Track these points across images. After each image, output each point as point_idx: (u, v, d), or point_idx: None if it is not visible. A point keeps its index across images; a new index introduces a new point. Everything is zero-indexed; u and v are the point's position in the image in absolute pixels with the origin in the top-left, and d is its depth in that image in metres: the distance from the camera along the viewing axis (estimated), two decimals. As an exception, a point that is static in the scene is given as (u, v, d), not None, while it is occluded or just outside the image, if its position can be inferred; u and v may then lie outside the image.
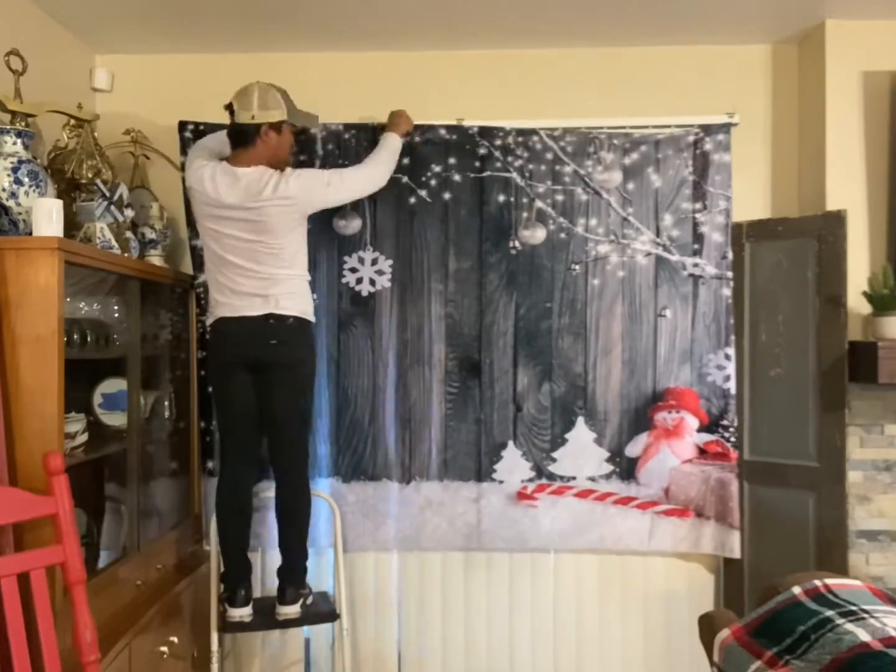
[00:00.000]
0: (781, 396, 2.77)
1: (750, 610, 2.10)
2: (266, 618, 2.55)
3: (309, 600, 2.61)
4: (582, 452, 2.87)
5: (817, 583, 1.93)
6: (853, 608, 1.77)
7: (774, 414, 2.79)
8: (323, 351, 2.85)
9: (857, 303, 2.70)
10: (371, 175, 2.60)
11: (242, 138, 2.41)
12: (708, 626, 2.07)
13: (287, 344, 2.44)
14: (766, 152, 2.97)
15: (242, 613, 2.50)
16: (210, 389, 2.74)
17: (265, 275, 2.41)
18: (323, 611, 2.68)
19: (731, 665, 1.87)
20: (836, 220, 2.65)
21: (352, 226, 2.86)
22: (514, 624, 2.96)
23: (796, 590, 1.92)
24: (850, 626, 1.69)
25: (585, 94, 2.94)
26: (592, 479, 2.88)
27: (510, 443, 2.88)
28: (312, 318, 2.54)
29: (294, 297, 2.46)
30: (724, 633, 1.95)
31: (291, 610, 2.52)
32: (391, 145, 2.66)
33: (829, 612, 1.77)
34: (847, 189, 2.76)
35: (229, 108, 2.40)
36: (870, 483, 2.73)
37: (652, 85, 2.95)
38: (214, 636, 2.58)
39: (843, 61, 2.76)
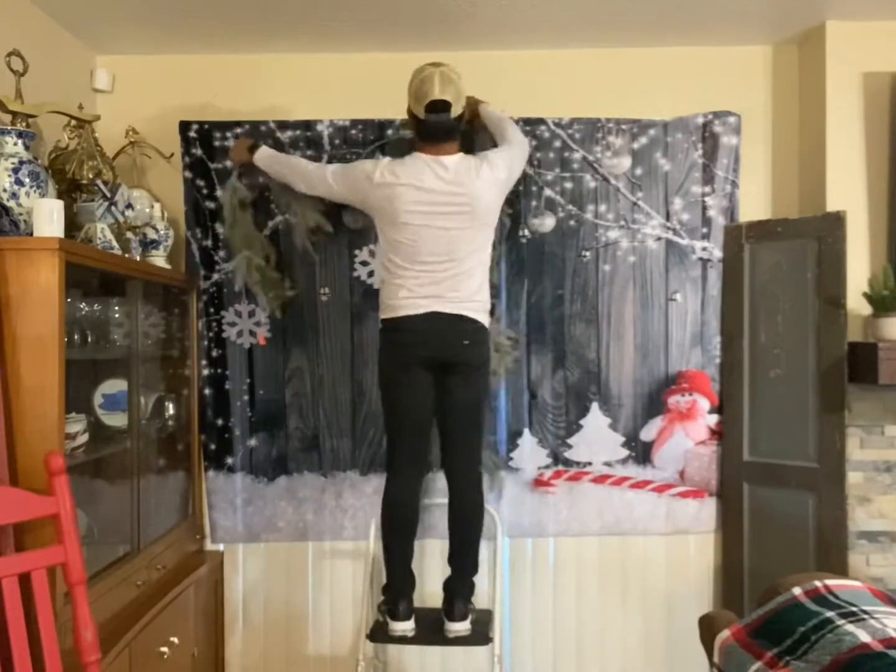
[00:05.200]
0: (781, 397, 2.77)
1: (750, 611, 2.10)
2: (429, 633, 2.49)
3: (474, 616, 2.52)
4: (597, 438, 2.90)
5: (817, 584, 1.93)
6: (853, 609, 1.78)
7: (774, 415, 2.79)
8: (337, 345, 2.88)
9: (857, 304, 2.70)
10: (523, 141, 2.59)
11: (451, 134, 2.38)
12: (708, 627, 2.07)
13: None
14: (767, 153, 2.97)
15: (405, 628, 2.46)
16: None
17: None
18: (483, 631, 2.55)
19: (731, 666, 1.87)
20: (836, 221, 2.65)
21: (361, 220, 2.87)
22: (515, 612, 2.96)
23: (797, 591, 1.92)
24: (850, 627, 1.69)
25: (586, 95, 2.94)
26: (608, 464, 2.92)
27: (526, 430, 2.90)
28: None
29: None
30: (725, 634, 1.95)
31: (461, 626, 2.45)
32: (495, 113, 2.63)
33: (830, 613, 1.77)
34: (847, 190, 2.76)
35: (437, 107, 2.32)
36: (870, 484, 2.73)
37: (653, 86, 2.95)
38: (363, 644, 2.55)
39: (843, 62, 2.76)
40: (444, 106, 2.32)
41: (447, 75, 2.34)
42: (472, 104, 2.63)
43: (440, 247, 2.37)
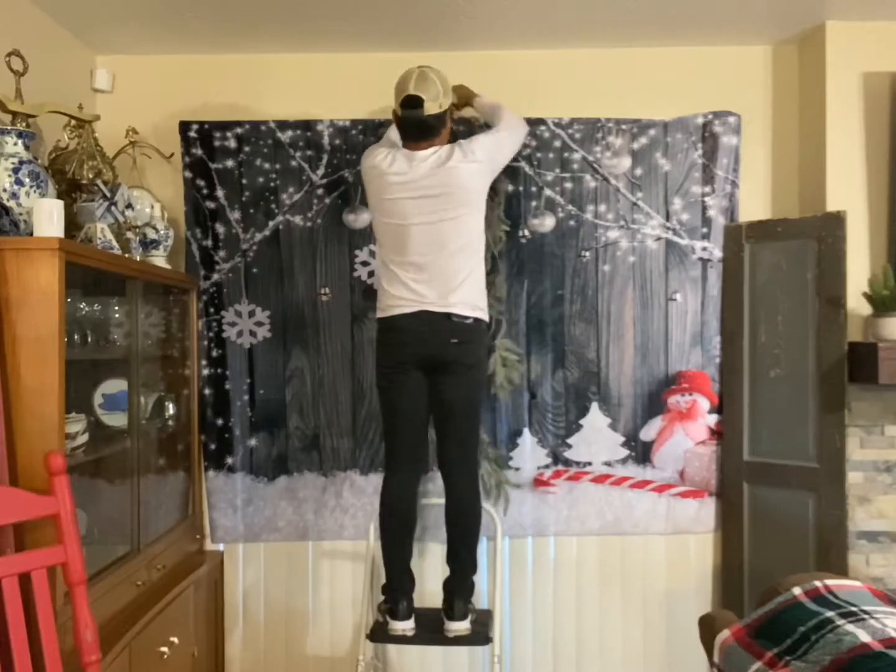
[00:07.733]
0: (781, 397, 2.77)
1: (749, 611, 2.10)
2: (429, 632, 2.46)
3: (474, 616, 2.51)
4: (597, 438, 2.91)
5: (817, 584, 1.93)
6: (853, 609, 1.78)
7: (774, 415, 2.79)
8: (337, 345, 2.89)
9: (857, 304, 2.70)
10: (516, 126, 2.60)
11: (428, 131, 2.37)
12: (708, 627, 2.07)
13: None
14: (767, 153, 2.97)
15: (405, 627, 2.45)
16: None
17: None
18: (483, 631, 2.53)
19: (731, 666, 1.87)
20: (836, 221, 2.65)
21: (361, 219, 2.88)
22: (515, 612, 2.97)
23: (797, 591, 1.93)
24: (850, 627, 1.69)
25: (586, 95, 2.94)
26: (608, 463, 2.93)
27: (525, 430, 2.91)
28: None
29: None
30: (725, 634, 1.95)
31: (461, 626, 2.44)
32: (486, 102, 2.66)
33: (830, 613, 1.78)
34: (847, 190, 2.76)
35: (410, 102, 2.32)
36: (870, 484, 2.73)
37: (653, 86, 2.95)
38: (363, 644, 2.55)
39: (843, 62, 2.76)
40: (417, 102, 2.33)
41: (425, 73, 2.36)
42: (467, 96, 2.66)
43: (425, 234, 2.36)
